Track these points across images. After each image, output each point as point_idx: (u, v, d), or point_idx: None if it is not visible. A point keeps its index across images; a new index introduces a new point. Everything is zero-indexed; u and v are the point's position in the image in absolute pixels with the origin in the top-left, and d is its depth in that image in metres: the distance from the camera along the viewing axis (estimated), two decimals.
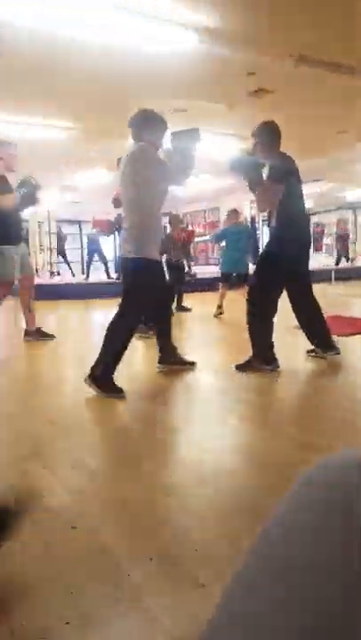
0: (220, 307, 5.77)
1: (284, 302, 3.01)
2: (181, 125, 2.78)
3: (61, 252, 13.15)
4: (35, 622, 0.98)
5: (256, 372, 2.90)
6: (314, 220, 15.97)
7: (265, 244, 3.28)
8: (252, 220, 12.44)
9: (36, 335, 4.32)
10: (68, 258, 13.42)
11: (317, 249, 15.32)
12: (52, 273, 12.35)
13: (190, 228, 9.95)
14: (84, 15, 3.48)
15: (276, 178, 2.83)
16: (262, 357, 2.97)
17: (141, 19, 3.57)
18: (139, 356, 3.94)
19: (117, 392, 2.51)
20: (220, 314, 5.74)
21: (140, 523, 1.34)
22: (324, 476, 0.34)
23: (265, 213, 3.20)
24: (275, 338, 2.98)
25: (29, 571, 1.15)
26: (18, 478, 1.66)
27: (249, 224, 12.59)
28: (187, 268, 7.09)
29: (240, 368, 3.00)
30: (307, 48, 4.20)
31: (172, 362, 3.07)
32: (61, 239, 13.25)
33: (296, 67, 4.39)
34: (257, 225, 11.77)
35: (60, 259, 13.25)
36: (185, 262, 6.72)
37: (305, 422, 2.14)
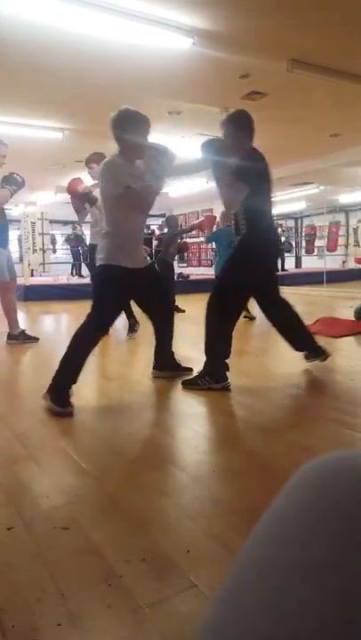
0: None
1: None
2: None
3: None
4: (26, 624, 0.97)
5: (203, 391, 2.62)
6: (306, 222, 16.07)
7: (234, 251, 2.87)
8: None
9: (21, 338, 4.29)
10: (64, 258, 13.46)
11: (309, 251, 15.41)
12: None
13: (185, 239, 9.71)
14: (78, 16, 3.47)
15: (241, 176, 2.48)
16: (214, 374, 2.65)
17: (135, 20, 3.57)
18: (134, 360, 3.94)
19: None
20: None
21: (132, 524, 1.34)
22: (320, 476, 0.34)
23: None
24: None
25: (21, 572, 1.15)
26: (10, 479, 1.66)
27: None
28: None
29: (186, 384, 2.69)
30: (300, 51, 4.22)
31: None
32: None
33: (289, 70, 4.41)
34: None
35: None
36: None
37: (298, 424, 2.15)
